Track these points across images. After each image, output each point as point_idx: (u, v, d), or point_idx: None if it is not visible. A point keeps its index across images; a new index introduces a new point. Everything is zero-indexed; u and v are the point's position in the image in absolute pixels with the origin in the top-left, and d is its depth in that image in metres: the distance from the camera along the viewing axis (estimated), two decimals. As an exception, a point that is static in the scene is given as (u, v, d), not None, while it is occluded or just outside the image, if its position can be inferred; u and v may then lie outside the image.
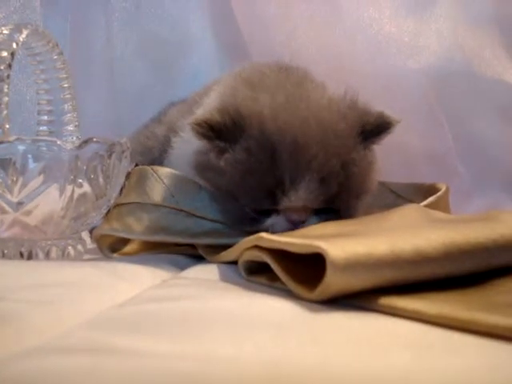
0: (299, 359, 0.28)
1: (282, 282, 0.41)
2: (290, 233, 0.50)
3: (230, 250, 0.51)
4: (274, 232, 0.53)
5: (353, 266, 0.35)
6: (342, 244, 0.37)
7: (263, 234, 0.42)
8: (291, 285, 0.40)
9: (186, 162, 0.60)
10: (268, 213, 0.56)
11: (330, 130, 0.55)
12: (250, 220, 0.56)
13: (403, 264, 0.37)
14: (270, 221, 0.56)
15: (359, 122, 0.57)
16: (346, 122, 0.56)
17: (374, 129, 0.58)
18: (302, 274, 0.40)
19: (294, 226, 0.55)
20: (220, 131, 0.55)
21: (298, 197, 0.54)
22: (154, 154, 0.72)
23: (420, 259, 0.38)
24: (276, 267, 0.41)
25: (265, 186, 0.54)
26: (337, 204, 0.56)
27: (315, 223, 0.55)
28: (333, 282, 0.36)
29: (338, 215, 0.56)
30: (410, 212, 0.55)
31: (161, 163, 0.67)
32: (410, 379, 0.26)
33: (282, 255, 0.41)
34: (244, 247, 0.46)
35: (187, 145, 0.62)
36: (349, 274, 0.36)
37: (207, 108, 0.60)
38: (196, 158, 0.59)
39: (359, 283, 0.36)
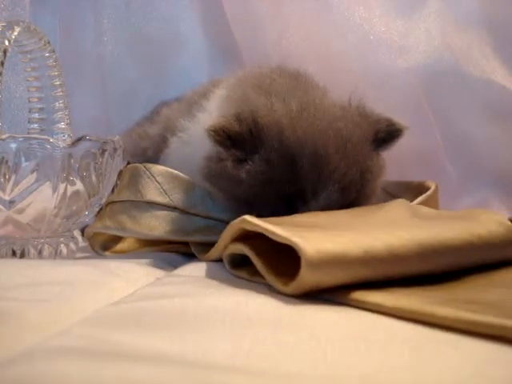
0: (297, 356, 0.29)
1: (262, 277, 0.42)
2: (274, 219, 0.50)
3: (216, 244, 0.50)
4: None
5: (326, 264, 0.37)
6: (317, 242, 0.38)
7: (247, 217, 0.43)
8: (269, 278, 0.41)
9: (187, 162, 0.60)
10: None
11: (348, 140, 0.56)
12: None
13: (376, 263, 0.39)
14: None
15: (372, 130, 0.59)
16: (360, 131, 0.57)
17: (386, 136, 0.60)
18: (280, 267, 0.41)
19: None
20: (237, 140, 0.55)
21: (318, 206, 0.55)
22: (147, 154, 0.72)
23: (393, 259, 0.40)
24: (256, 260, 0.43)
25: (285, 197, 0.55)
26: (349, 207, 0.56)
27: None
28: (306, 279, 0.37)
29: None
30: (395, 208, 0.56)
31: (155, 163, 0.67)
32: (407, 375, 0.26)
33: (263, 249, 0.42)
34: (229, 236, 0.46)
35: (187, 146, 0.62)
36: (322, 272, 0.37)
37: (221, 113, 0.60)
38: (208, 165, 0.58)
39: (332, 280, 0.38)
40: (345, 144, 0.56)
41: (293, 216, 0.53)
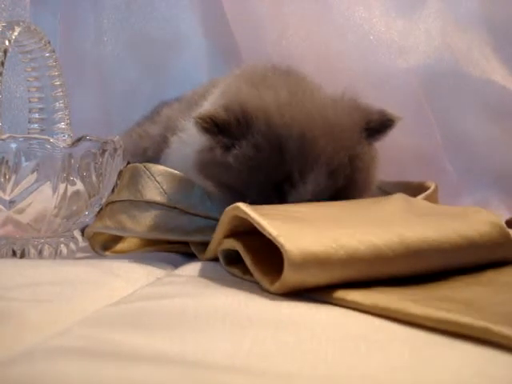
0: (297, 356, 0.29)
1: (252, 275, 0.43)
2: (267, 207, 0.49)
3: (212, 239, 0.50)
4: None
5: (309, 265, 0.38)
6: (302, 241, 0.38)
7: (240, 204, 0.44)
8: (257, 275, 0.42)
9: (186, 162, 0.61)
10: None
11: (336, 125, 0.56)
12: None
13: (360, 265, 0.40)
14: None
15: (363, 119, 0.59)
16: (350, 119, 0.58)
17: (378, 126, 0.60)
18: (270, 265, 0.41)
19: None
20: (224, 127, 0.56)
21: (306, 190, 0.55)
22: (147, 154, 0.72)
23: (376, 260, 0.40)
24: (246, 257, 0.43)
25: (273, 181, 0.55)
26: (342, 197, 0.56)
27: None
28: (290, 278, 0.38)
29: None
30: (391, 203, 0.56)
31: (156, 163, 0.67)
32: (407, 375, 0.26)
33: (256, 246, 0.43)
34: (223, 226, 0.47)
35: (186, 146, 0.62)
36: (305, 272, 0.38)
37: (211, 105, 0.61)
38: (199, 157, 0.59)
39: (316, 280, 0.38)
40: (332, 129, 0.56)
41: (286, 205, 0.53)
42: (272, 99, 0.57)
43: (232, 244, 0.45)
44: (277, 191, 0.55)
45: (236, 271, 0.46)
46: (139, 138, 0.76)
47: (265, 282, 0.41)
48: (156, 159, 0.69)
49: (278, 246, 0.38)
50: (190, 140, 0.62)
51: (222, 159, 0.57)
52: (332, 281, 0.39)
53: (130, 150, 0.72)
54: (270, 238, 0.39)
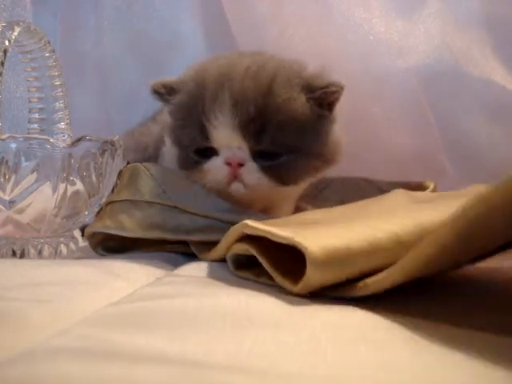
0: (297, 356, 0.29)
1: (268, 277, 0.42)
2: (275, 220, 0.50)
3: (218, 245, 0.51)
4: (213, 178, 0.60)
5: (332, 260, 0.37)
6: (321, 239, 0.38)
7: (248, 222, 0.43)
8: (277, 277, 0.41)
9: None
10: (209, 156, 0.61)
11: (260, 68, 0.60)
12: (194, 163, 0.62)
13: (381, 254, 0.39)
14: (209, 162, 0.60)
15: (303, 78, 0.60)
16: (284, 71, 0.60)
17: (316, 86, 0.60)
18: (287, 264, 0.41)
19: (232, 169, 0.59)
20: (171, 88, 0.62)
21: (220, 122, 0.58)
22: (148, 151, 0.73)
23: (397, 247, 0.39)
24: (263, 260, 0.42)
25: (197, 123, 0.59)
26: (271, 146, 0.59)
27: (255, 169, 0.59)
28: (313, 277, 0.37)
29: (279, 169, 0.60)
30: (393, 197, 0.56)
31: (155, 161, 0.68)
32: (407, 375, 0.26)
33: (269, 246, 0.42)
34: (231, 239, 0.46)
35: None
36: (328, 269, 0.37)
37: None
38: (169, 130, 0.65)
39: (339, 275, 0.38)
40: (255, 70, 0.59)
41: (295, 216, 0.53)
42: (219, 63, 0.62)
43: (244, 248, 0.44)
44: (203, 133, 0.59)
45: (248, 275, 0.45)
46: (141, 135, 0.77)
47: (286, 284, 0.40)
48: (155, 156, 0.70)
49: (297, 246, 0.37)
50: None
51: (170, 115, 0.64)
52: (354, 275, 0.38)
53: (132, 146, 0.73)
54: (286, 242, 0.39)
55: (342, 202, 0.68)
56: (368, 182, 0.77)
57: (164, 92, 0.62)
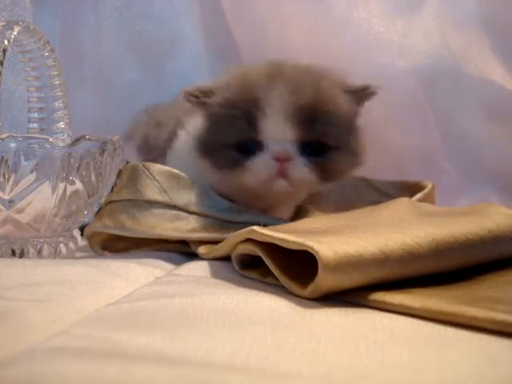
0: (297, 356, 0.29)
1: (275, 277, 0.42)
2: (281, 227, 0.51)
3: (221, 244, 0.51)
4: (257, 176, 0.57)
5: (343, 267, 0.37)
6: (333, 244, 0.37)
7: (255, 228, 0.43)
8: (284, 280, 0.41)
9: (189, 150, 0.63)
10: (252, 152, 0.58)
11: (301, 65, 0.62)
12: (234, 162, 0.59)
13: (392, 263, 0.39)
14: (253, 159, 0.58)
15: (341, 81, 0.62)
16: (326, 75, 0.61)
17: (356, 90, 0.62)
18: (294, 267, 0.41)
19: (280, 164, 0.57)
20: (207, 92, 0.60)
21: (274, 110, 0.57)
22: (169, 126, 0.72)
23: (408, 257, 0.39)
24: (269, 262, 0.42)
25: (245, 115, 0.58)
26: (321, 138, 0.58)
27: (303, 165, 0.57)
28: (324, 282, 0.37)
29: (326, 164, 0.59)
30: (399, 206, 0.56)
31: (170, 142, 0.68)
32: (407, 375, 0.26)
33: (275, 249, 0.42)
34: (236, 241, 0.46)
35: (189, 137, 0.64)
36: (339, 275, 0.37)
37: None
38: (196, 137, 0.62)
39: (349, 282, 0.38)
40: (303, 67, 0.61)
41: (301, 222, 0.53)
42: (261, 65, 0.62)
43: (250, 248, 0.44)
44: (251, 124, 0.57)
45: (254, 275, 0.45)
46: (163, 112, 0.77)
47: (293, 287, 0.39)
48: (171, 139, 0.69)
49: (309, 250, 0.37)
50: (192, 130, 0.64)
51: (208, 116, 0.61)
52: (366, 281, 0.38)
53: (153, 122, 0.75)
54: (296, 247, 0.39)
55: (339, 200, 0.68)
56: (364, 181, 0.77)
57: (200, 95, 0.60)
